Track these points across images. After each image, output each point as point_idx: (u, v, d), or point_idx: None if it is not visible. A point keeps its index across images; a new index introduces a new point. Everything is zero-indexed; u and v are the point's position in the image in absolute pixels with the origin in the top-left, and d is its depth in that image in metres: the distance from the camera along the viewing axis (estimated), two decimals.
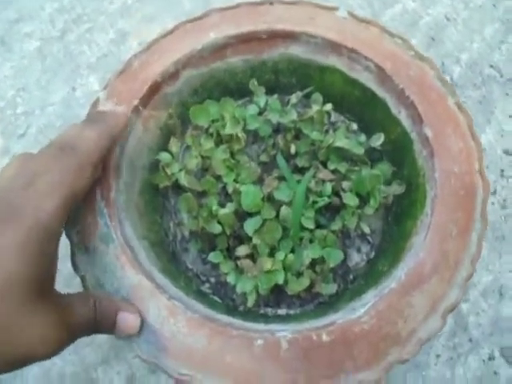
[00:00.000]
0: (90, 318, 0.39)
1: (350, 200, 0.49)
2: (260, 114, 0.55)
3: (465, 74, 0.78)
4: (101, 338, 0.63)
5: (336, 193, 0.51)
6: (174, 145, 0.54)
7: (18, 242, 0.34)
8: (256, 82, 0.55)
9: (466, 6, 0.83)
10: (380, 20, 0.81)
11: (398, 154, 0.53)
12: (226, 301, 0.51)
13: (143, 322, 0.41)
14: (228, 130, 0.52)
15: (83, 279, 0.44)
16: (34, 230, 0.35)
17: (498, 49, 0.80)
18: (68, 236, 0.45)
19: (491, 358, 0.63)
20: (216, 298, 0.51)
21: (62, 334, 0.37)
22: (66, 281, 0.59)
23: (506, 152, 0.73)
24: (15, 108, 0.79)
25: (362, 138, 0.54)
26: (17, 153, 0.75)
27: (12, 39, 0.84)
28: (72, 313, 0.38)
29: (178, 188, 0.54)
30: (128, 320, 0.40)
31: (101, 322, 0.40)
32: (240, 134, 0.52)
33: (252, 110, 0.54)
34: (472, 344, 0.64)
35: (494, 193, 0.71)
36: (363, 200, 0.51)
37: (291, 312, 0.50)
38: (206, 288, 0.51)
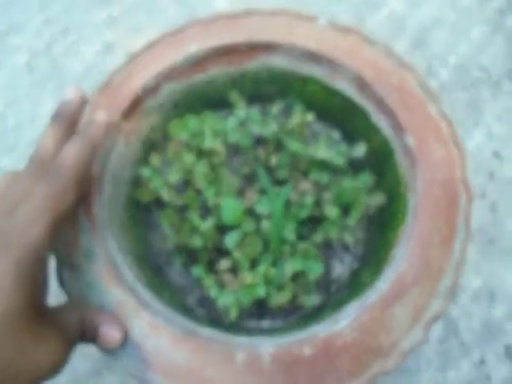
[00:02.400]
0: (78, 328, 0.40)
1: (332, 211, 0.49)
2: (241, 125, 0.54)
3: (453, 77, 0.78)
4: (92, 348, 0.62)
5: (317, 204, 0.51)
6: (156, 159, 0.54)
7: (9, 275, 0.34)
8: (236, 94, 0.55)
9: (452, 8, 0.83)
10: (366, 24, 0.80)
11: (380, 163, 0.53)
12: (211, 314, 0.51)
13: (126, 337, 0.41)
14: (208, 143, 0.52)
15: (69, 295, 0.44)
16: (23, 259, 0.35)
17: (485, 50, 0.80)
18: (53, 251, 0.45)
19: (482, 361, 0.63)
20: (200, 311, 0.51)
21: (62, 350, 0.38)
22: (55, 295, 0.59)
23: (495, 154, 0.73)
24: (6, 121, 0.79)
25: (343, 148, 0.54)
26: (6, 167, 0.75)
27: (2, 52, 0.84)
28: (65, 325, 0.39)
29: (160, 202, 0.54)
30: (109, 333, 0.41)
31: (84, 332, 0.40)
32: (220, 148, 0.52)
33: (232, 122, 0.54)
34: (463, 348, 0.64)
35: (483, 196, 0.71)
36: (345, 210, 0.51)
37: (275, 324, 0.50)
38: (190, 301, 0.51)
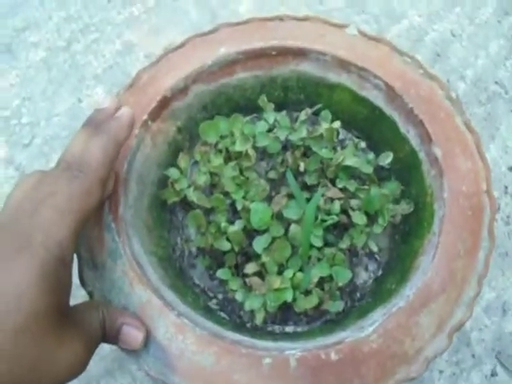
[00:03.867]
0: (100, 327, 0.40)
1: (359, 219, 0.50)
2: (269, 130, 0.54)
3: (470, 91, 0.79)
4: (104, 349, 0.62)
5: (344, 211, 0.51)
6: (183, 160, 0.54)
7: (34, 276, 0.34)
8: (265, 99, 0.55)
9: (471, 22, 0.84)
10: (386, 36, 0.81)
11: (407, 172, 0.53)
12: (233, 317, 0.51)
13: (148, 338, 0.41)
14: (238, 146, 0.52)
15: (91, 295, 0.44)
16: (47, 260, 0.35)
17: (503, 65, 0.81)
18: (76, 251, 0.44)
19: (494, 373, 0.63)
20: (223, 315, 0.51)
21: (84, 351, 0.37)
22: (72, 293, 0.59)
23: (510, 169, 0.74)
24: (20, 118, 0.79)
25: (371, 156, 0.54)
26: (21, 163, 0.75)
27: (18, 48, 0.84)
28: (86, 326, 0.38)
29: (186, 204, 0.54)
30: (131, 334, 0.40)
31: (105, 332, 0.40)
32: (250, 151, 0.52)
33: (261, 126, 0.54)
34: (475, 360, 0.64)
35: (498, 209, 0.71)
36: (371, 218, 0.51)
37: (298, 329, 0.50)
38: (213, 304, 0.51)
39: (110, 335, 0.40)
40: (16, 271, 0.34)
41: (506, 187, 0.73)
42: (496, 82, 0.79)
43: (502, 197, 0.72)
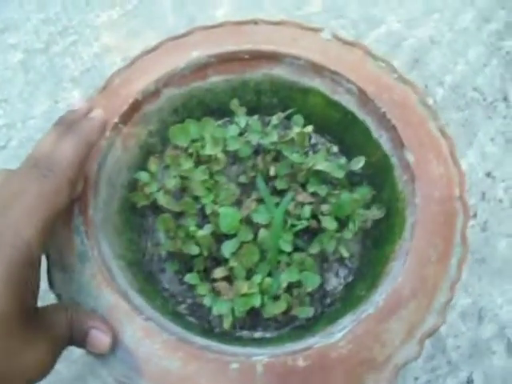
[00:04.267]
0: (68, 329, 0.39)
1: (329, 224, 0.49)
2: (240, 134, 0.54)
3: (448, 97, 0.79)
4: (75, 353, 0.62)
5: (315, 216, 0.51)
6: (153, 164, 0.53)
7: (1, 278, 0.33)
8: (237, 102, 0.55)
9: (450, 29, 0.84)
10: (364, 41, 0.81)
11: (378, 177, 0.53)
12: (203, 322, 0.50)
13: (116, 343, 0.41)
14: (208, 150, 0.51)
15: (59, 297, 0.43)
16: (15, 261, 0.34)
17: (481, 72, 0.81)
18: (45, 252, 0.44)
19: (469, 381, 0.63)
20: (192, 320, 0.50)
21: (51, 352, 0.37)
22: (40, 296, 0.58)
23: (488, 175, 0.74)
24: None
25: (343, 160, 0.54)
26: None
27: None
28: (53, 328, 0.38)
29: (156, 208, 0.53)
30: (99, 338, 0.40)
31: (72, 335, 0.40)
32: (220, 155, 0.52)
33: (233, 130, 0.54)
34: (451, 366, 0.64)
35: (475, 216, 0.71)
36: (342, 224, 0.51)
37: (267, 335, 0.50)
38: (182, 309, 0.51)
39: (78, 338, 0.40)
40: None
41: (484, 193, 0.73)
42: (474, 89, 0.80)
43: (479, 203, 0.72)
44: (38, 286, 0.38)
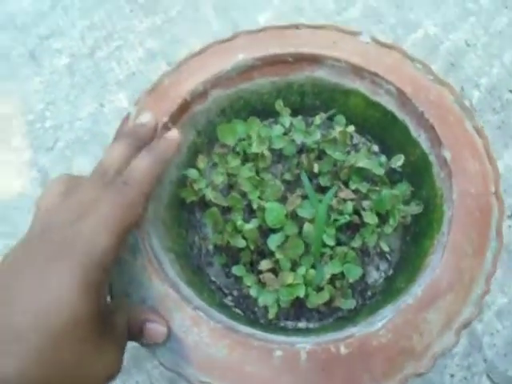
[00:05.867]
0: (126, 327, 0.40)
1: (370, 219, 0.51)
2: (285, 134, 0.56)
3: (484, 99, 0.80)
4: None
5: (356, 211, 0.52)
6: (202, 162, 0.55)
7: (76, 282, 0.34)
8: (282, 103, 0.57)
9: (485, 32, 0.85)
10: (402, 45, 0.82)
11: (417, 174, 0.54)
12: (248, 313, 0.52)
13: (170, 332, 0.42)
14: (254, 148, 0.53)
15: (110, 288, 0.45)
16: (89, 268, 0.35)
17: None
18: None
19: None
20: (238, 311, 0.52)
21: (119, 353, 0.38)
22: None
23: None
24: (44, 122, 0.81)
25: (383, 159, 0.56)
26: (44, 166, 0.77)
27: (42, 55, 0.86)
28: (117, 328, 0.39)
29: (203, 203, 0.55)
30: (155, 329, 0.41)
31: (130, 330, 0.41)
32: (266, 153, 0.53)
33: (277, 130, 0.56)
34: (486, 364, 0.64)
35: (511, 216, 0.72)
36: (382, 219, 0.52)
37: (310, 325, 0.51)
38: (228, 301, 0.53)
39: (134, 333, 0.41)
40: (58, 276, 0.34)
41: None
42: (510, 91, 0.80)
43: None
44: (108, 293, 0.40)
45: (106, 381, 0.37)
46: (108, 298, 0.44)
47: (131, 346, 0.42)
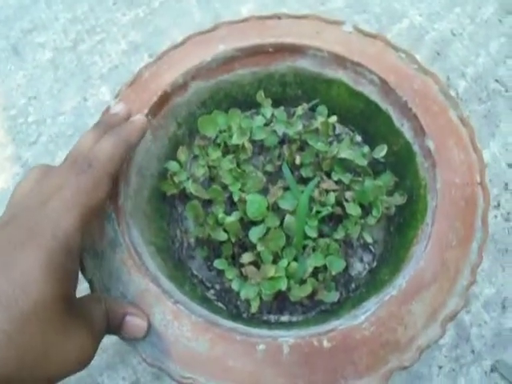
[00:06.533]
0: (104, 319, 0.40)
1: (353, 210, 0.50)
2: (266, 125, 0.56)
3: (470, 89, 0.79)
4: (106, 342, 0.63)
5: (339, 203, 0.52)
6: (182, 154, 0.55)
7: (41, 264, 0.34)
8: (263, 94, 0.57)
9: (471, 21, 0.84)
10: (387, 35, 0.81)
11: (401, 165, 0.54)
12: (230, 307, 0.52)
13: (150, 326, 0.42)
14: (235, 140, 0.53)
15: (91, 283, 0.45)
16: (54, 250, 0.35)
17: (503, 63, 0.81)
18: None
19: (493, 369, 0.63)
20: (220, 305, 0.52)
21: (91, 342, 0.38)
22: None
23: (510, 165, 0.74)
24: (27, 116, 0.80)
25: (366, 149, 0.55)
26: (28, 161, 0.76)
27: (25, 49, 0.85)
28: (91, 317, 0.39)
29: (185, 196, 0.55)
30: (135, 323, 0.41)
31: (108, 323, 0.41)
32: (246, 144, 0.53)
33: (259, 121, 0.55)
34: (474, 355, 0.64)
35: (498, 206, 0.71)
36: (366, 210, 0.52)
37: (294, 319, 0.51)
38: (210, 294, 0.52)
39: (113, 326, 0.41)
40: (23, 259, 0.34)
41: (506, 184, 0.73)
42: (496, 80, 0.80)
43: (502, 193, 0.72)
44: (76, 276, 0.39)
45: (78, 366, 0.37)
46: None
47: (117, 341, 0.41)
